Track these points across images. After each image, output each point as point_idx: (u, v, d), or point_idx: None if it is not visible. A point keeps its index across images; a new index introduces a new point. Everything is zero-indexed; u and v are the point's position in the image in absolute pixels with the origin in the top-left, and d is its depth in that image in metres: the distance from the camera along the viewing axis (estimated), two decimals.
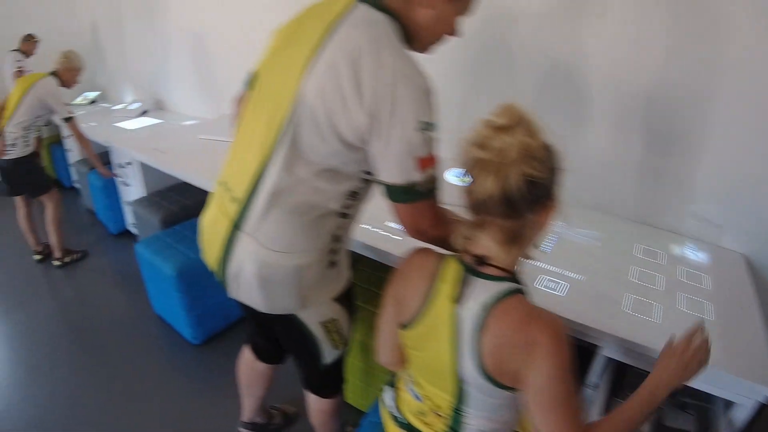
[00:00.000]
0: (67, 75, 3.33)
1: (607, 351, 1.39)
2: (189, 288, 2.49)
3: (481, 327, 0.92)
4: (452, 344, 0.96)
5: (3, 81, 4.70)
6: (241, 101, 1.39)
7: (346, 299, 1.39)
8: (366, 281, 2.07)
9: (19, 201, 3.45)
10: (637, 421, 0.93)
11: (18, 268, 3.58)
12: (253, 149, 1.15)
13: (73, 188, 4.94)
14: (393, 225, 1.82)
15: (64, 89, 3.32)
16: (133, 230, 3.67)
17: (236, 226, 1.19)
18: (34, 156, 3.33)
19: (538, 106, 0.89)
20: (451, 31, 1.18)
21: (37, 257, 3.63)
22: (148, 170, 3.14)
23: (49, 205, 3.40)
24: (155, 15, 4.00)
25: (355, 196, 1.21)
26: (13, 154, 3.16)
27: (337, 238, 1.25)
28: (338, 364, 1.53)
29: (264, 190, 1.13)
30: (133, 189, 3.31)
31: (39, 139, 3.58)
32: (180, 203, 3.06)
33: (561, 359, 0.87)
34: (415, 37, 1.14)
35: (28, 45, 4.77)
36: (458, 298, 0.96)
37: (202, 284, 2.53)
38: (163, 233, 2.74)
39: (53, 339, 2.84)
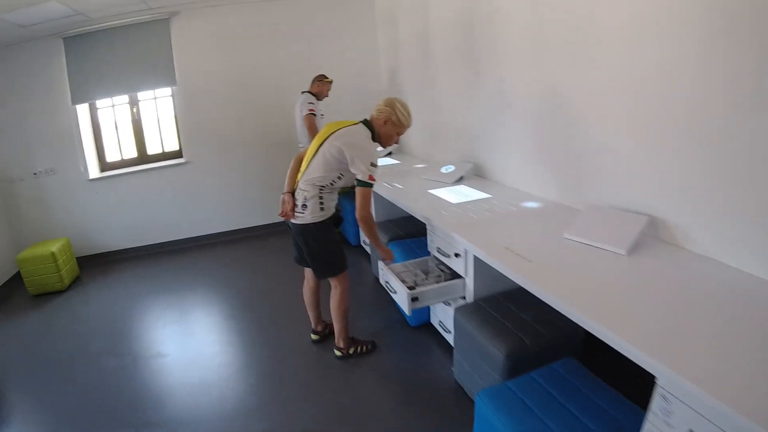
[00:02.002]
0: (385, 130, 2.49)
1: None
2: None
3: None
4: None
5: (295, 126, 4.44)
6: None
7: None
8: None
9: (308, 270, 2.86)
10: None
11: (290, 349, 2.99)
12: None
13: (361, 248, 4.46)
14: None
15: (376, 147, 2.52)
16: (443, 333, 2.80)
17: None
18: (328, 225, 2.57)
19: None
20: None
21: (315, 337, 3.01)
22: (482, 269, 2.27)
23: (336, 289, 2.70)
24: (489, 68, 3.21)
25: None
26: (303, 218, 2.49)
27: None
28: None
29: None
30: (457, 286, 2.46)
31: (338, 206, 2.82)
32: (532, 331, 2.04)
33: None
34: None
35: (321, 86, 4.38)
36: None
37: None
38: (517, 386, 1.78)
39: None
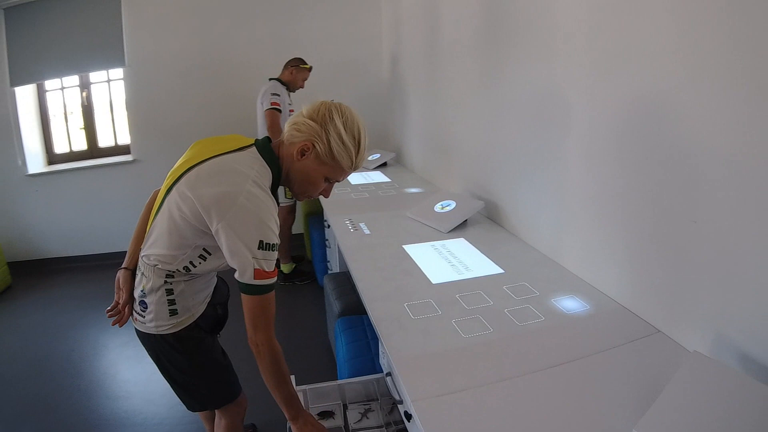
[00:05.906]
0: (300, 167, 1.17)
1: None
2: None
3: None
4: None
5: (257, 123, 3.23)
6: None
7: None
8: None
9: None
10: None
11: None
12: None
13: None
14: None
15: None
16: None
17: None
18: (192, 338, 1.28)
19: None
20: None
21: None
22: None
23: (221, 420, 1.48)
24: (530, 55, 1.92)
25: None
26: (142, 324, 1.26)
27: None
28: None
29: None
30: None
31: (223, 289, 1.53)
32: None
33: None
34: None
35: (295, 74, 3.16)
36: None
37: None
38: None
39: None
